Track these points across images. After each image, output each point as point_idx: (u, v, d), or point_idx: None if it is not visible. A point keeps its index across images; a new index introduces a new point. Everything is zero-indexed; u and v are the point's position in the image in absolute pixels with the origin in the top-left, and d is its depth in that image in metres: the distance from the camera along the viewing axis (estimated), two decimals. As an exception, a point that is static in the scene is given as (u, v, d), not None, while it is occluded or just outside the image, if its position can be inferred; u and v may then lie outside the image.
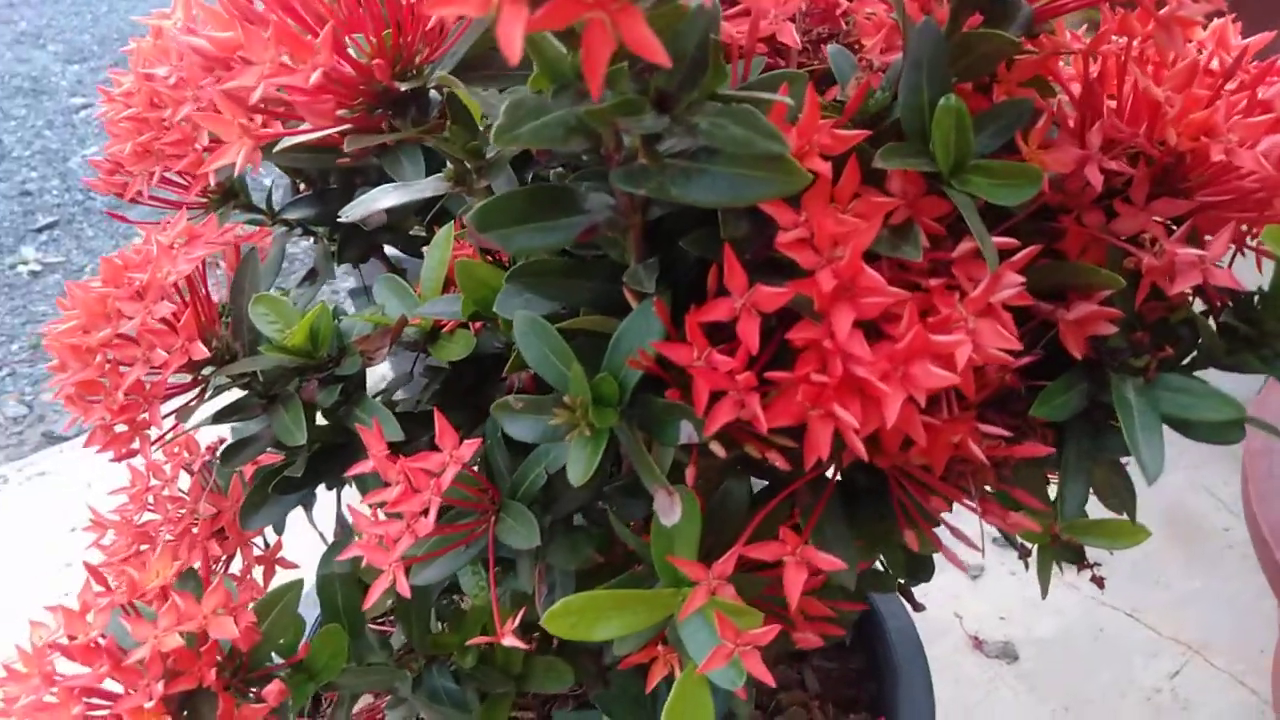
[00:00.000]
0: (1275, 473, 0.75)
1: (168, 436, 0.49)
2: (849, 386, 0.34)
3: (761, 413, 0.35)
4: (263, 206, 0.65)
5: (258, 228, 0.66)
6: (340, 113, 0.38)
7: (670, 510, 0.38)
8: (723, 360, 0.35)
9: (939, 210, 0.38)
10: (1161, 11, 0.36)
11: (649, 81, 0.32)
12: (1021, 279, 0.36)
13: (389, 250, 0.69)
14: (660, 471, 0.39)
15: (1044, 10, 0.40)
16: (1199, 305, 0.45)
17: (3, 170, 2.66)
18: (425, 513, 0.42)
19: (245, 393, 0.52)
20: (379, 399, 0.58)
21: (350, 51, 0.39)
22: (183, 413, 0.48)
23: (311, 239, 0.69)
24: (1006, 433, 0.40)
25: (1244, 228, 0.43)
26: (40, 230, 2.36)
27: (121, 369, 0.46)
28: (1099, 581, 0.70)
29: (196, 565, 0.53)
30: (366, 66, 0.37)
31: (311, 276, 0.66)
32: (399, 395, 0.61)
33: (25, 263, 2.21)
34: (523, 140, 0.30)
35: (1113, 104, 0.44)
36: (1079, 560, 0.71)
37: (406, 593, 0.42)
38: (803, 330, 0.34)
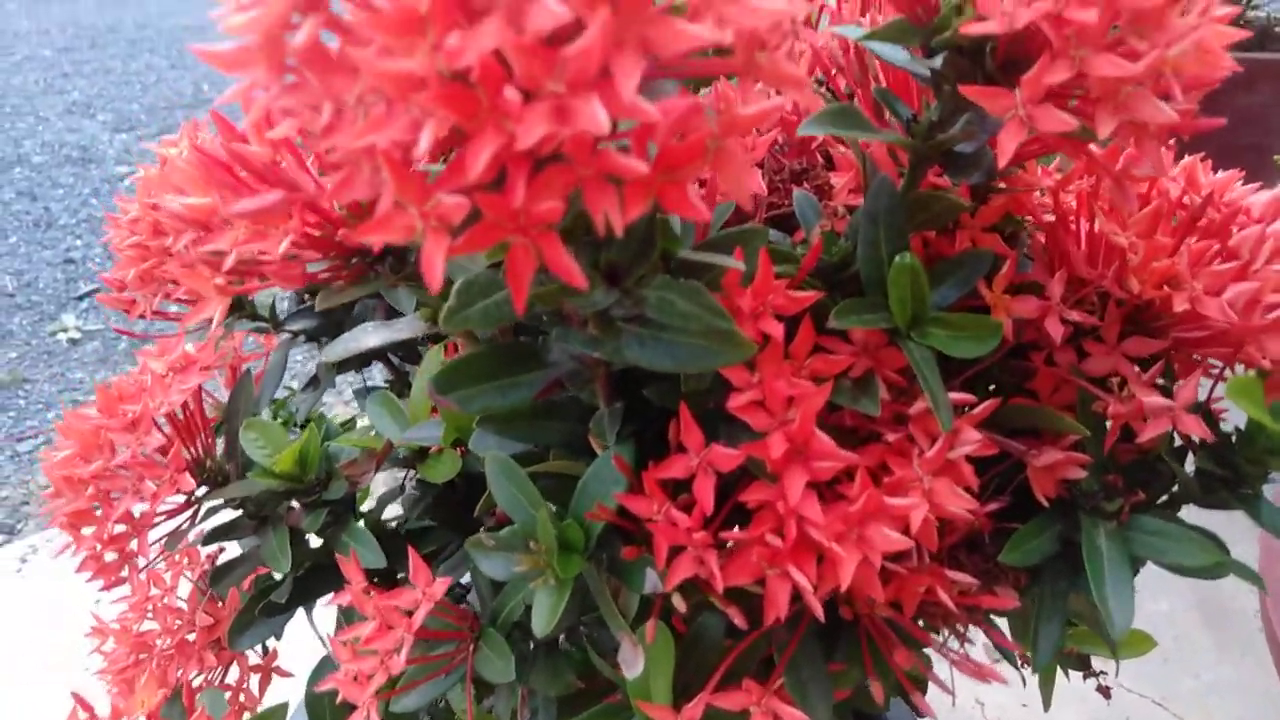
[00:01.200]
0: (1291, 576, 0.73)
1: (157, 563, 0.50)
2: (805, 546, 0.34)
3: (718, 571, 0.35)
4: (267, 316, 0.67)
5: (264, 335, 0.68)
6: (314, 267, 0.39)
7: (634, 662, 0.38)
8: (681, 517, 0.36)
9: (902, 361, 0.38)
10: (1115, 168, 0.36)
11: (599, 255, 0.32)
12: (979, 436, 0.36)
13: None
14: (625, 620, 0.39)
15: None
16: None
17: (49, 238, 2.75)
18: (399, 650, 0.43)
19: (239, 513, 0.53)
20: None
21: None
22: (173, 538, 0.49)
23: (317, 345, 0.71)
24: (974, 581, 0.39)
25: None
26: (82, 298, 2.43)
27: (113, 497, 0.47)
28: (1105, 692, 0.69)
29: (189, 680, 0.54)
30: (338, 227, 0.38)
31: (314, 384, 0.68)
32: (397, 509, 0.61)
33: (65, 330, 2.28)
34: (473, 322, 0.31)
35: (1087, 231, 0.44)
36: (1084, 668, 0.70)
37: (380, 731, 0.42)
38: (756, 492, 0.35)
